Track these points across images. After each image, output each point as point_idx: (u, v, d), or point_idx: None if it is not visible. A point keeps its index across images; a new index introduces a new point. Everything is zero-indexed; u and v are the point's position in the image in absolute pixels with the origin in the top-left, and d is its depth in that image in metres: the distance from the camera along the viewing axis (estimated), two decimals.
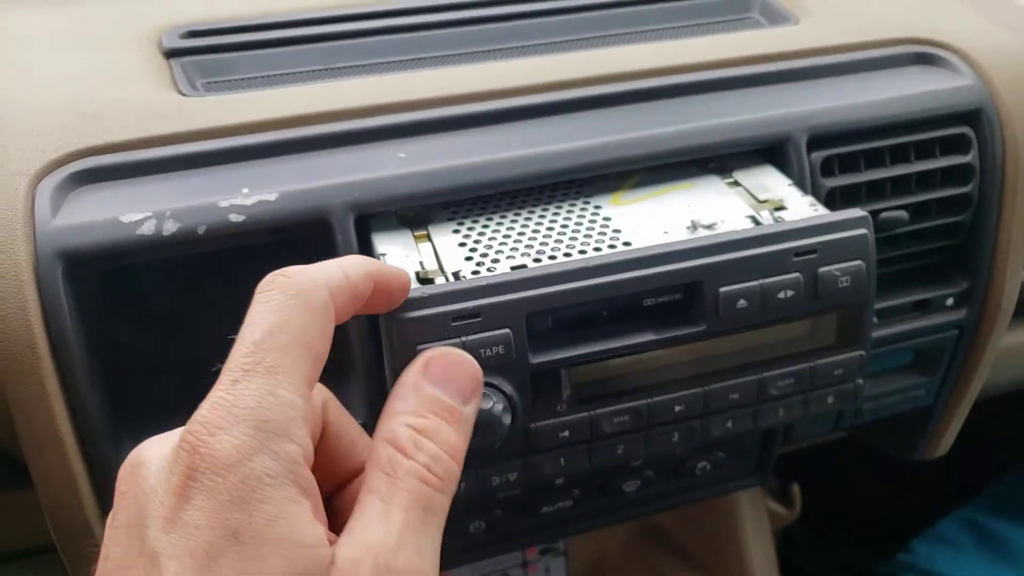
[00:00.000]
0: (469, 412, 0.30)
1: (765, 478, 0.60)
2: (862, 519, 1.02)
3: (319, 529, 0.25)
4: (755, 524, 0.73)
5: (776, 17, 0.60)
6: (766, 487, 0.75)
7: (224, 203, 0.42)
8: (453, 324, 0.38)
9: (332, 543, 0.26)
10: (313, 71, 0.54)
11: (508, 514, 0.52)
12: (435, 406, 0.29)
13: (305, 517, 0.25)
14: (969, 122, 0.52)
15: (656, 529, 0.77)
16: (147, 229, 0.41)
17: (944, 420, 0.61)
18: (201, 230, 0.41)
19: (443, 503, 0.28)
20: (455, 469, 0.29)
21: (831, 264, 0.42)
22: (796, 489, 0.74)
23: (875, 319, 0.54)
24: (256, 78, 0.53)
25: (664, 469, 0.54)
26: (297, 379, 0.26)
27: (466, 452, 0.30)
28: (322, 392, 0.31)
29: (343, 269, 0.29)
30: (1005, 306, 0.56)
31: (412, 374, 0.30)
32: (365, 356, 0.43)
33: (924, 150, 0.52)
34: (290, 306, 0.27)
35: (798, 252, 0.42)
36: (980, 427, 0.67)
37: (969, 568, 0.78)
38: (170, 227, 0.41)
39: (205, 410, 0.25)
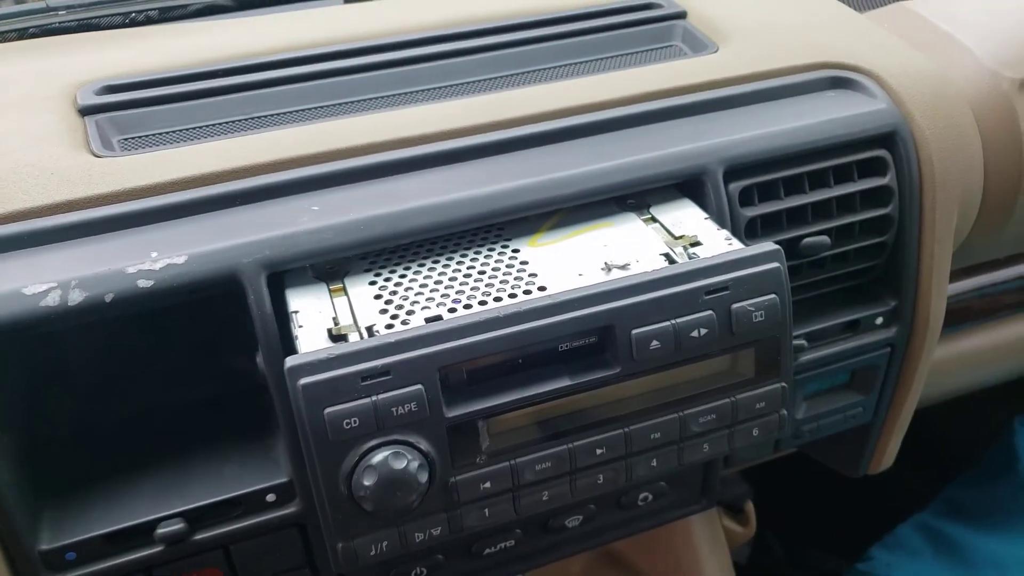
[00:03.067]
0: None
1: (712, 502, 0.60)
2: (830, 524, 1.03)
3: None
4: (711, 544, 0.73)
5: (697, 45, 0.60)
6: (721, 507, 0.75)
7: (132, 269, 0.41)
8: (363, 383, 0.38)
9: None
10: (232, 122, 0.53)
11: (450, 558, 0.52)
12: None
13: None
14: (885, 144, 0.53)
15: (613, 555, 0.77)
16: (52, 300, 0.40)
17: (884, 435, 0.62)
18: (108, 298, 0.41)
19: None
20: None
21: (744, 300, 0.42)
22: (750, 507, 0.74)
23: (806, 343, 0.55)
24: (172, 132, 0.52)
25: (606, 502, 0.54)
26: None
27: None
28: None
29: None
30: (933, 322, 0.56)
31: None
32: (287, 415, 0.43)
33: (842, 174, 0.52)
34: None
35: (709, 290, 0.42)
36: (938, 431, 0.67)
37: (925, 573, 0.78)
38: (76, 297, 0.40)
39: None
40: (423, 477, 0.39)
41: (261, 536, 0.46)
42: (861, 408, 0.60)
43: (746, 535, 0.74)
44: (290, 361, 0.38)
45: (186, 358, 0.50)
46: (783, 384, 0.45)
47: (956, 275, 0.58)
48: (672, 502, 0.58)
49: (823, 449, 0.66)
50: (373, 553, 0.40)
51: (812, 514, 1.05)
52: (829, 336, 0.56)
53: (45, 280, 0.40)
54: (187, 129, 0.53)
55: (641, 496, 0.55)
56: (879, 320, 0.56)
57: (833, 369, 0.56)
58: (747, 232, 0.50)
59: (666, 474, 0.45)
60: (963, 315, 0.65)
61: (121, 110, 0.53)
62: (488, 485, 0.41)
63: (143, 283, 0.41)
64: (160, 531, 0.43)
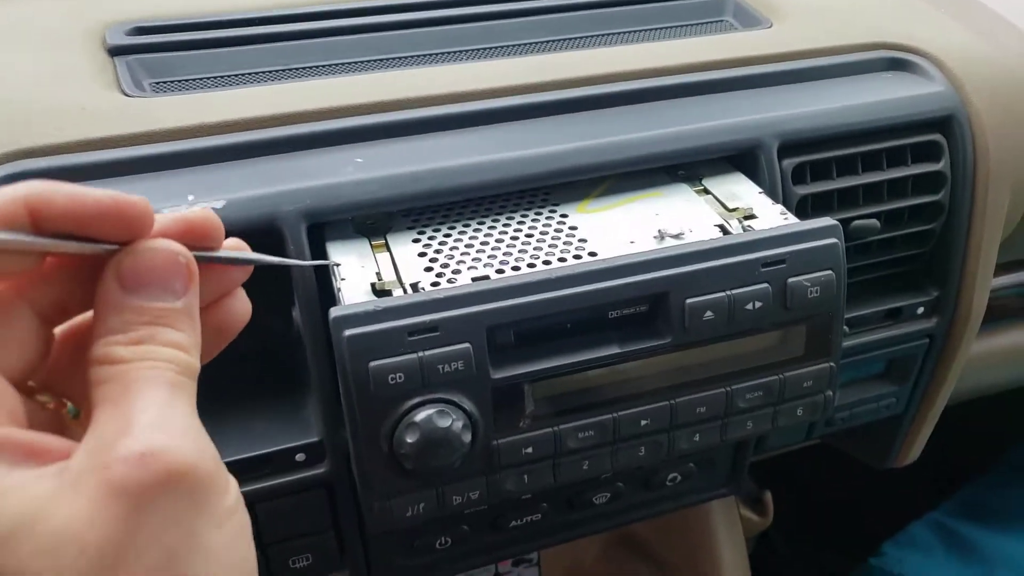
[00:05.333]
0: (188, 302, 0.26)
1: (737, 488, 0.59)
2: (835, 523, 1.02)
3: (5, 477, 0.22)
4: (728, 532, 0.72)
5: (749, 21, 0.58)
6: (739, 495, 0.74)
7: (168, 211, 0.39)
8: (409, 339, 0.36)
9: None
10: (270, 72, 0.52)
11: (475, 530, 0.51)
12: (143, 315, 0.25)
13: None
14: (941, 129, 0.52)
15: (630, 538, 0.76)
16: None
17: (915, 428, 0.61)
18: None
19: (188, 385, 0.25)
20: (190, 361, 0.25)
21: (800, 274, 0.41)
22: (768, 497, 0.74)
23: (846, 328, 0.53)
24: (207, 79, 0.50)
25: (634, 481, 0.53)
26: None
27: (198, 342, 0.26)
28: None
29: None
30: (975, 314, 0.55)
31: (107, 289, 0.25)
32: (321, 373, 0.42)
33: (896, 157, 0.51)
34: None
35: (767, 262, 0.40)
36: (951, 431, 0.66)
37: (938, 571, 0.78)
38: None
39: None
40: (466, 437, 0.37)
41: (288, 496, 0.44)
42: (894, 399, 0.59)
43: (763, 524, 0.73)
44: (336, 311, 0.36)
45: None
46: (832, 364, 0.44)
47: (996, 270, 0.57)
48: (699, 485, 0.57)
49: (850, 440, 0.65)
50: (410, 514, 0.39)
51: (816, 512, 1.04)
52: (869, 323, 0.55)
53: None
54: (222, 76, 0.51)
55: (669, 477, 0.54)
56: (920, 310, 0.55)
57: (870, 357, 0.55)
58: (797, 211, 0.49)
59: (706, 449, 0.44)
60: (999, 312, 0.64)
61: (152, 52, 0.51)
62: (530, 450, 0.40)
63: None
64: None
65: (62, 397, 0.27)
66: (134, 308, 0.25)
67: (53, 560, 0.21)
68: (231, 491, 0.25)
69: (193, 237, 0.27)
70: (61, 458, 0.23)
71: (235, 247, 0.30)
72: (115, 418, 0.23)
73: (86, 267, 0.26)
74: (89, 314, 0.27)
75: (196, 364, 0.26)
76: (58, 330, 0.27)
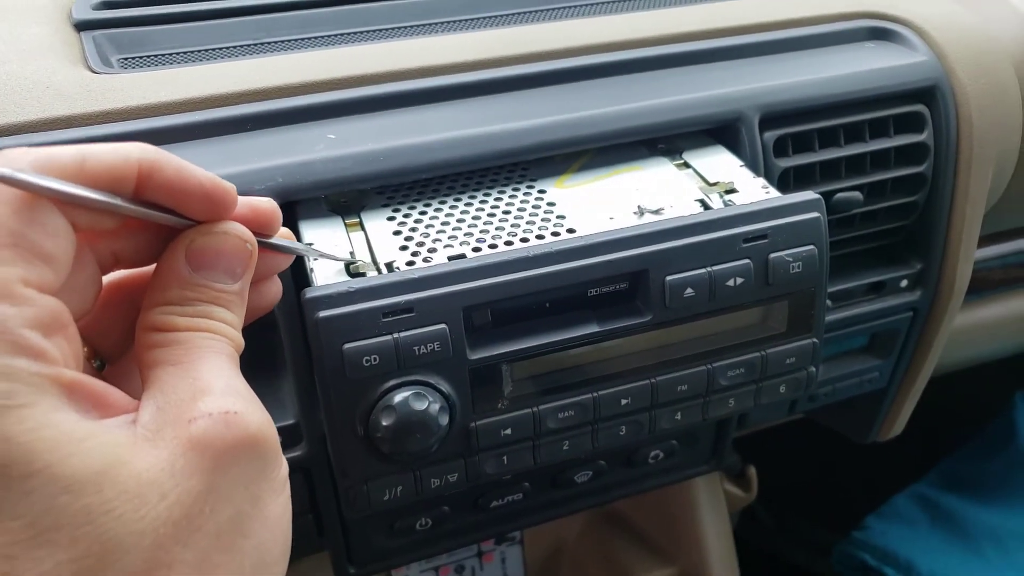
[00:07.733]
0: (243, 285, 0.27)
1: (720, 464, 0.59)
2: (819, 497, 1.03)
3: (83, 423, 0.22)
4: (712, 508, 0.72)
5: None
6: (722, 471, 0.75)
7: None
8: (384, 320, 0.36)
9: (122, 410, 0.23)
10: (240, 47, 0.50)
11: (456, 510, 0.51)
12: (204, 294, 0.26)
13: (56, 423, 0.21)
14: (924, 100, 0.51)
15: (613, 515, 0.77)
16: None
17: (898, 402, 0.61)
18: None
19: (238, 361, 0.26)
20: (240, 339, 0.27)
21: (782, 249, 0.41)
22: (752, 472, 0.74)
23: (829, 303, 0.53)
24: (177, 54, 0.49)
25: (616, 459, 0.53)
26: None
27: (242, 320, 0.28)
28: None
29: (82, 153, 0.23)
30: (958, 286, 0.55)
31: (173, 263, 0.26)
32: (295, 353, 0.41)
33: (878, 129, 0.50)
34: None
35: (748, 237, 0.40)
36: (932, 403, 0.67)
37: (921, 543, 0.79)
38: None
39: None
40: (443, 420, 0.37)
41: None
42: (878, 373, 0.59)
43: (747, 500, 0.74)
44: (308, 292, 0.35)
45: None
46: (815, 340, 0.43)
47: (980, 242, 0.56)
48: (681, 461, 0.57)
49: (832, 414, 0.66)
50: (387, 498, 0.39)
51: (800, 486, 1.05)
52: (852, 297, 0.54)
53: None
54: (192, 51, 0.49)
55: (652, 454, 0.54)
56: (904, 283, 0.55)
57: (854, 331, 0.55)
58: (779, 184, 0.48)
59: (688, 428, 0.44)
60: (983, 284, 0.64)
61: (120, 27, 0.50)
62: (509, 432, 0.39)
63: None
64: None
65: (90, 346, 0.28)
66: (196, 285, 0.26)
67: (138, 502, 0.21)
68: (284, 464, 0.26)
69: (256, 224, 0.28)
70: (123, 411, 0.23)
71: (286, 236, 0.31)
72: (186, 379, 0.24)
73: (155, 230, 0.27)
74: (132, 271, 0.28)
75: (242, 342, 0.27)
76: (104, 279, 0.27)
